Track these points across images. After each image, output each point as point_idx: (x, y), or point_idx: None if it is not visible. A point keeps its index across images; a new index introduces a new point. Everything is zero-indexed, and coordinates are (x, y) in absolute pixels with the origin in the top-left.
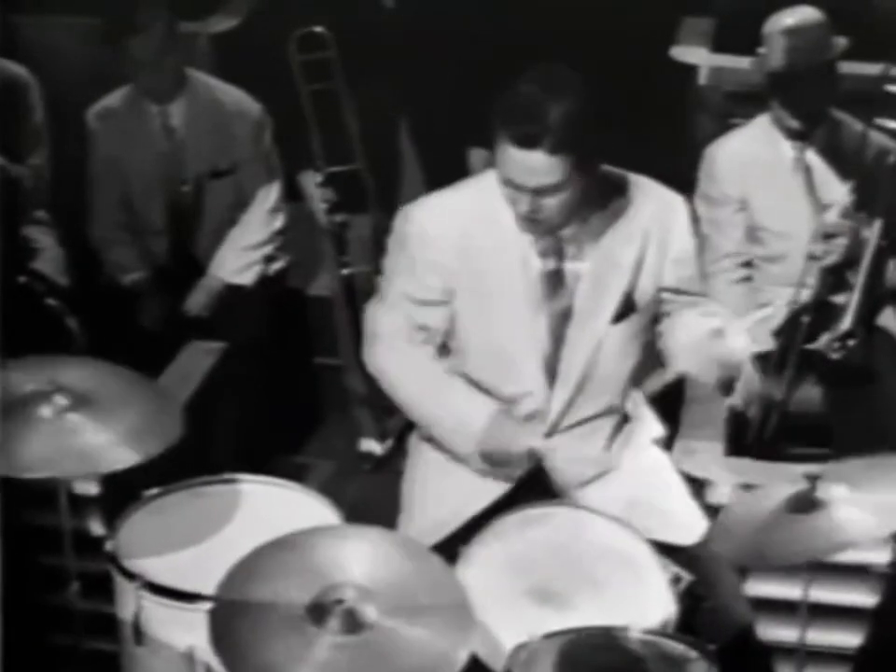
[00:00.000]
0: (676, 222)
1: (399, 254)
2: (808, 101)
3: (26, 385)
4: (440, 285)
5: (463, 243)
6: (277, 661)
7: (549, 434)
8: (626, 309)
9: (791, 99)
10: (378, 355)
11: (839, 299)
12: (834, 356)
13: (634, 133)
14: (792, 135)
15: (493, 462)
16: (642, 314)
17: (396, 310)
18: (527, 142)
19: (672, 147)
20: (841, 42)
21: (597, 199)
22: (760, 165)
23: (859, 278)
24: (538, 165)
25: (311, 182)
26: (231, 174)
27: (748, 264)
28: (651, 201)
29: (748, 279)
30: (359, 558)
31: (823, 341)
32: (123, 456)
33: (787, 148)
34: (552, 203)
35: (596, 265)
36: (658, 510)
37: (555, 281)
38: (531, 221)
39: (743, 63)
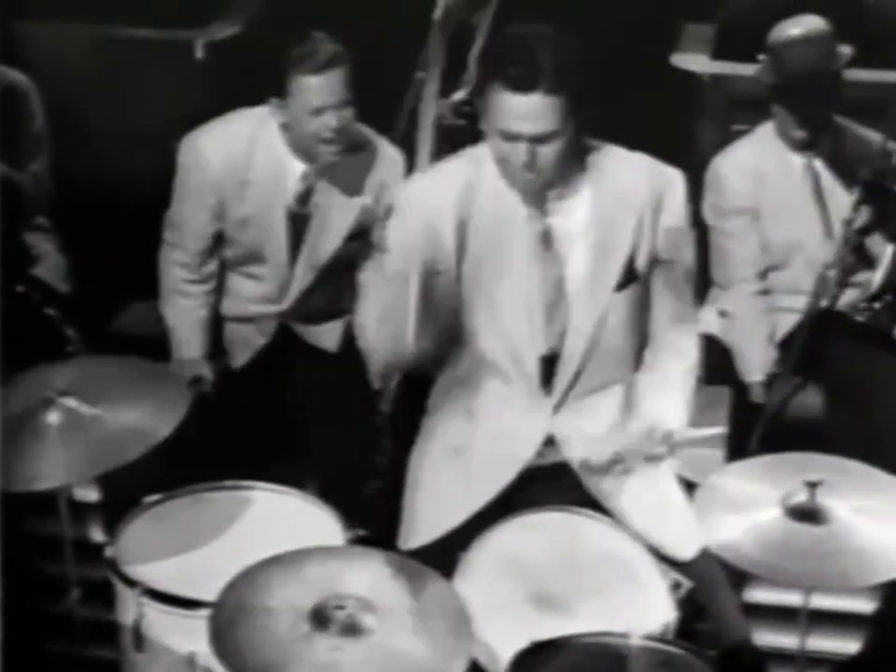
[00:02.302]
0: (671, 192)
1: (396, 225)
2: (814, 110)
3: (26, 397)
4: (429, 255)
5: (459, 213)
6: (277, 661)
7: (557, 407)
8: (629, 276)
9: (796, 108)
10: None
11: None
12: (860, 318)
13: (634, 141)
14: (798, 144)
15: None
16: (643, 284)
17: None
18: (525, 84)
19: (674, 155)
20: (846, 51)
21: (588, 164)
22: (767, 174)
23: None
24: (535, 109)
25: None
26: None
27: (763, 275)
28: (648, 170)
29: (766, 292)
30: (360, 574)
31: (851, 301)
32: (139, 444)
33: (794, 157)
34: (548, 153)
35: (599, 231)
36: (657, 522)
37: (545, 243)
38: (526, 176)
39: (745, 69)
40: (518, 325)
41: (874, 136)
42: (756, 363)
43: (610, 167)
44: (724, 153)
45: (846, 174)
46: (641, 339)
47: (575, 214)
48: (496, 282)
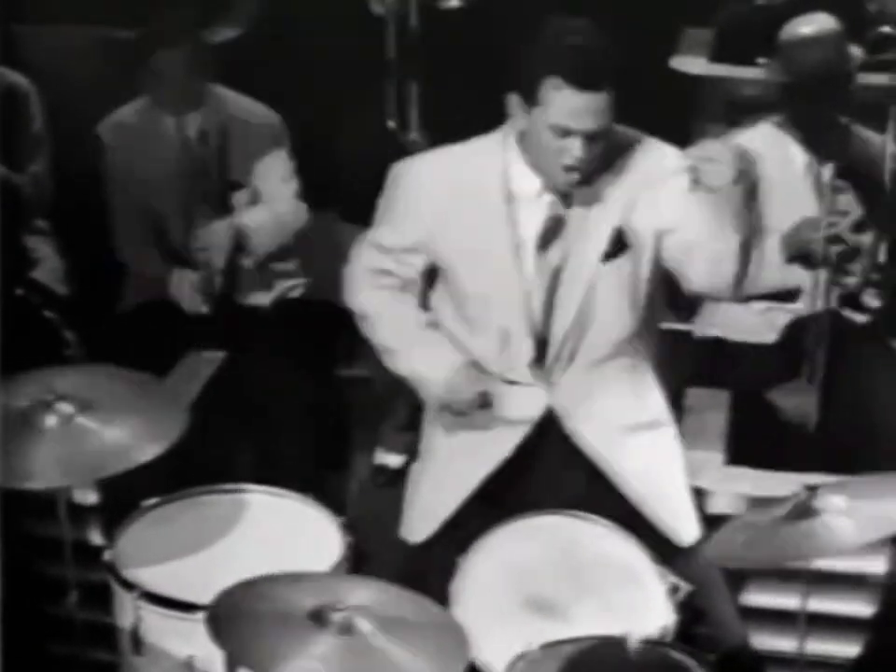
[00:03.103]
0: (670, 165)
1: (386, 201)
2: (823, 110)
3: (26, 397)
4: (416, 233)
5: (450, 189)
6: (276, 654)
7: (552, 380)
8: (618, 247)
9: (805, 107)
10: (355, 294)
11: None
12: (869, 300)
13: None
14: (803, 142)
15: (452, 411)
16: (638, 254)
17: (366, 253)
18: (591, 83)
19: None
20: (858, 53)
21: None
22: (767, 165)
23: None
24: (599, 106)
25: None
26: (249, 186)
27: None
28: (644, 146)
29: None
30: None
31: (854, 279)
32: (134, 456)
33: (797, 153)
34: (596, 149)
35: (583, 205)
36: (658, 498)
37: (554, 228)
38: (574, 171)
39: (742, 72)
40: (513, 311)
41: (879, 139)
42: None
43: (617, 147)
44: (726, 137)
45: (848, 172)
46: (643, 318)
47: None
48: (489, 268)
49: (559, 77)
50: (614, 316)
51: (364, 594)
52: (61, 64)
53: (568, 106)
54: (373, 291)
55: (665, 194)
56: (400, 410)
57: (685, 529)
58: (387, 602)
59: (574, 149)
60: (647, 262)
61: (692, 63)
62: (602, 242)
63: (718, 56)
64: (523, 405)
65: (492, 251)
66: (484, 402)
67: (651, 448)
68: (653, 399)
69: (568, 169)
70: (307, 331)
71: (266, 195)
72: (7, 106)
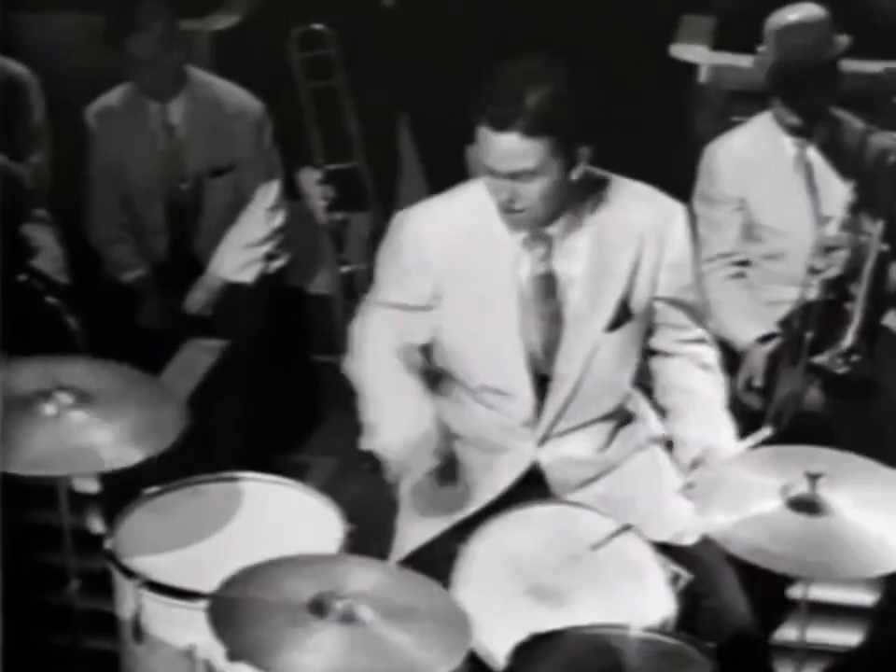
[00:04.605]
0: (673, 229)
1: (390, 263)
2: (809, 99)
3: (28, 383)
4: (428, 289)
5: (455, 244)
6: (275, 644)
7: (543, 440)
8: (622, 317)
9: (791, 97)
10: (359, 362)
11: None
12: (839, 371)
13: (633, 132)
14: (793, 133)
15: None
16: (639, 321)
17: (382, 318)
18: (502, 124)
19: (672, 146)
20: (843, 40)
21: (590, 202)
22: (760, 163)
23: (861, 289)
24: (512, 148)
25: (310, 180)
26: (231, 172)
27: (742, 263)
28: (649, 207)
29: (740, 276)
30: (358, 578)
31: (827, 357)
32: (127, 455)
33: (787, 146)
34: (529, 191)
35: (591, 271)
36: (655, 510)
37: (546, 284)
38: (511, 212)
39: (743, 61)
40: (514, 363)
41: (872, 132)
42: (746, 328)
43: (615, 203)
44: (719, 141)
45: (840, 165)
46: (636, 367)
47: (578, 253)
48: (491, 320)
49: (480, 116)
50: (611, 376)
51: (365, 579)
52: (61, 54)
53: (487, 148)
54: (383, 357)
55: (667, 260)
56: None
57: (684, 539)
58: (388, 587)
59: (504, 190)
60: (644, 325)
61: (692, 52)
62: (608, 313)
63: (719, 44)
64: (508, 468)
65: (494, 303)
66: (447, 470)
67: (642, 479)
68: (645, 440)
69: (507, 210)
70: (282, 316)
71: (247, 184)
72: (7, 97)
